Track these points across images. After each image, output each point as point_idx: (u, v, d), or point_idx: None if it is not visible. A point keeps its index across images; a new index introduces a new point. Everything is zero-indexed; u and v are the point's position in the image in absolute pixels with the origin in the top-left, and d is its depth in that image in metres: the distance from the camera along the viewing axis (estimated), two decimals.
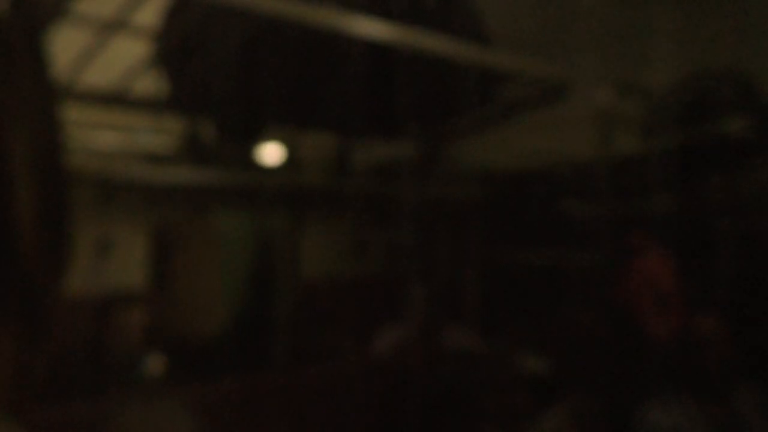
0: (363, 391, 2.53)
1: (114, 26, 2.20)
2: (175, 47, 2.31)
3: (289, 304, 3.83)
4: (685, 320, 2.57)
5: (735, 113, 2.77)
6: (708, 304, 2.56)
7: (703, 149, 2.87)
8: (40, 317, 0.37)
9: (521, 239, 3.45)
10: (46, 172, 0.37)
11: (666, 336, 2.65)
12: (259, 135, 3.30)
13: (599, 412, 2.58)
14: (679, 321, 2.62)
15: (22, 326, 0.36)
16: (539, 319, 3.14)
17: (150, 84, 2.64)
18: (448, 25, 2.20)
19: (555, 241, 3.20)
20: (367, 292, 3.67)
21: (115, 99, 2.71)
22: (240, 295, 4.31)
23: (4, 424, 0.34)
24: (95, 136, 2.99)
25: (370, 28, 1.99)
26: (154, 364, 2.54)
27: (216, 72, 2.21)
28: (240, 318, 4.25)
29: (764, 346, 2.39)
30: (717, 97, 2.83)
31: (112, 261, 3.17)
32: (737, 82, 2.83)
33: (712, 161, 2.84)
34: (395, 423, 2.51)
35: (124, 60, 2.52)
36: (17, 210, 0.34)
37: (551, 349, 2.89)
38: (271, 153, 3.45)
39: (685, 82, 2.95)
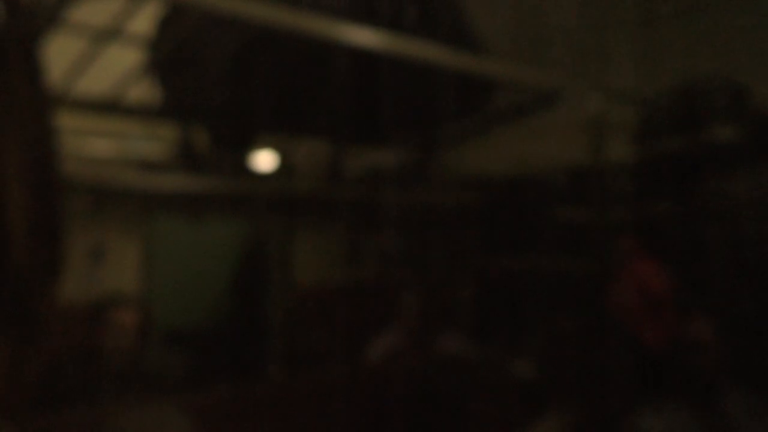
0: (356, 396, 2.53)
1: (108, 34, 2.21)
2: (168, 56, 2.32)
3: (282, 309, 3.83)
4: (676, 325, 2.58)
5: (726, 121, 2.79)
6: (699, 309, 2.58)
7: (695, 156, 2.89)
8: (34, 323, 0.37)
9: (514, 245, 3.45)
10: (39, 180, 0.37)
11: (658, 341, 2.66)
12: (252, 142, 3.30)
13: (591, 418, 2.59)
14: (670, 326, 2.63)
15: (15, 333, 0.36)
16: (531, 325, 3.14)
17: (143, 92, 2.64)
18: (438, 33, 2.21)
19: (547, 247, 3.21)
20: (360, 298, 3.67)
21: (109, 106, 2.71)
22: (232, 299, 4.31)
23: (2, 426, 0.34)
24: (89, 143, 2.99)
25: (363, 37, 2.01)
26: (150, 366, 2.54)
27: (209, 80, 2.22)
28: (233, 323, 4.25)
29: (755, 350, 2.41)
30: (708, 105, 2.85)
31: (106, 267, 3.16)
32: (728, 90, 2.85)
33: (704, 168, 2.86)
34: (388, 428, 2.51)
35: (118, 68, 2.53)
36: (10, 217, 0.34)
37: (543, 355, 2.90)
38: (264, 160, 3.46)
39: (678, 91, 2.97)
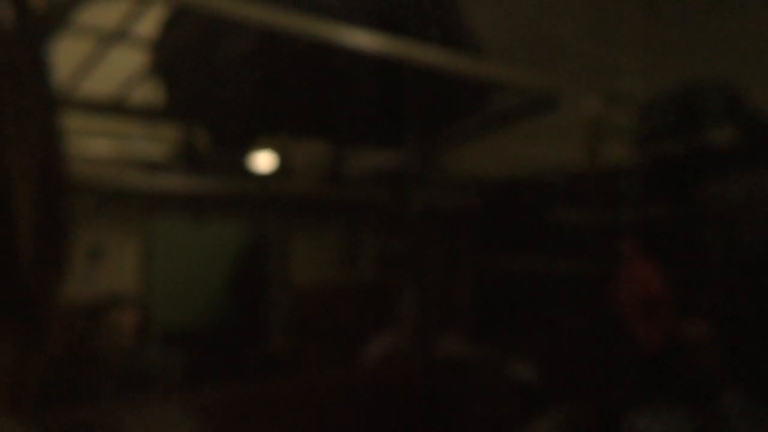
0: (355, 397, 2.54)
1: (113, 36, 2.22)
2: (171, 58, 2.34)
3: (281, 310, 3.83)
4: (673, 327, 2.59)
5: (722, 123, 2.80)
6: (696, 311, 2.59)
7: (692, 158, 2.90)
8: (38, 323, 0.38)
9: (512, 247, 3.46)
10: (46, 181, 0.37)
11: (655, 342, 2.67)
12: (253, 143, 3.31)
13: (589, 419, 2.60)
14: (667, 327, 2.64)
15: (20, 332, 0.36)
16: (530, 326, 3.15)
17: (147, 93, 2.65)
18: (439, 35, 2.22)
19: (546, 248, 3.21)
20: (360, 300, 3.68)
21: (113, 107, 2.72)
22: (232, 300, 4.31)
23: (7, 425, 0.35)
24: (92, 144, 3.00)
25: (363, 39, 2.02)
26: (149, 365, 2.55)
27: (211, 82, 2.24)
28: (232, 324, 4.25)
29: (751, 352, 2.42)
30: (705, 107, 2.86)
31: (105, 267, 3.16)
32: (725, 93, 2.86)
33: (700, 170, 2.87)
34: (387, 429, 2.52)
35: (123, 69, 2.54)
36: (16, 218, 0.35)
37: (542, 356, 2.91)
38: (264, 161, 3.46)
39: (674, 93, 2.98)
